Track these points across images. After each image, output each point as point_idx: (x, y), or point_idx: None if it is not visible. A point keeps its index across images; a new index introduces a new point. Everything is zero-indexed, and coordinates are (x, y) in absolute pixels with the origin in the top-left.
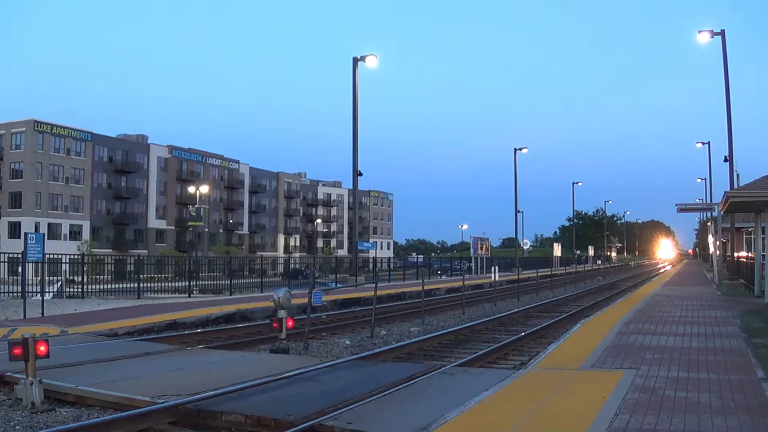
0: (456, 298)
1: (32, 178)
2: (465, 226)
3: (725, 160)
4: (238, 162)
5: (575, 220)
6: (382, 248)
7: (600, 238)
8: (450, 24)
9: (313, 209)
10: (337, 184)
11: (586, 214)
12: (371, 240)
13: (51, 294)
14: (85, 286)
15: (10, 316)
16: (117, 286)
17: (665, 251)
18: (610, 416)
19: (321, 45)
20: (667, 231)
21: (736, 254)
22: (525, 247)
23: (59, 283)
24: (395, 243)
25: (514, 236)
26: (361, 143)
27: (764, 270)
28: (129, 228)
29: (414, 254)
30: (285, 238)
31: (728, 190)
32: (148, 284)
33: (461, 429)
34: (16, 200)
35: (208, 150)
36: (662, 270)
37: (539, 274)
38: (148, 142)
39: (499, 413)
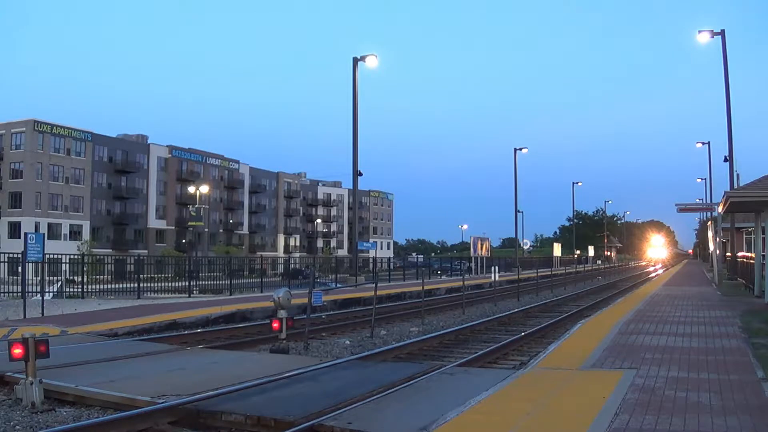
0: (456, 298)
1: (32, 178)
2: (465, 226)
3: (725, 160)
4: (238, 162)
5: (575, 220)
6: (382, 248)
7: (600, 238)
8: (450, 24)
9: (313, 209)
10: (337, 184)
11: (586, 214)
12: (371, 240)
13: (51, 294)
14: (85, 286)
15: (10, 316)
16: (117, 286)
17: (658, 250)
18: (610, 416)
19: (321, 45)
20: (667, 231)
21: (736, 254)
22: (525, 247)
23: (59, 283)
24: (395, 243)
25: (514, 236)
26: (361, 143)
27: (764, 270)
28: (129, 228)
29: (414, 254)
30: (285, 238)
31: (728, 190)
32: (148, 284)
33: (461, 429)
34: (16, 200)
35: (208, 150)
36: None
37: (539, 274)
38: (148, 142)
39: (499, 413)
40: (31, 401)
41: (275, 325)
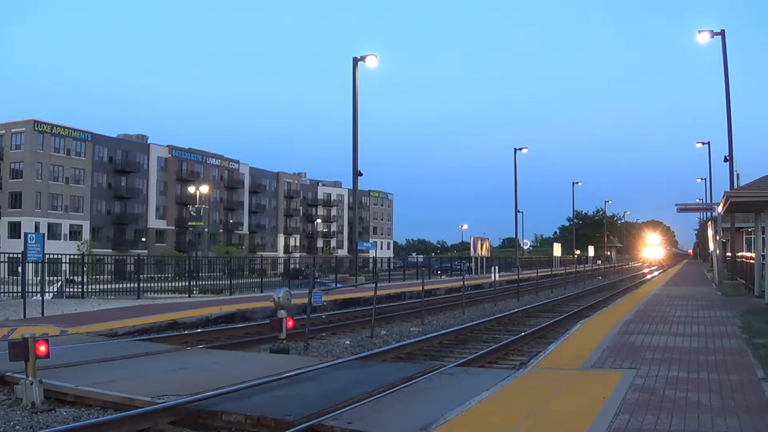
0: (456, 298)
1: (32, 178)
2: (465, 226)
3: (725, 160)
4: (238, 162)
5: (575, 220)
6: (382, 248)
7: (600, 239)
8: (450, 24)
9: (313, 209)
10: (337, 184)
11: (586, 214)
12: (371, 240)
13: (51, 294)
14: (85, 286)
15: (10, 316)
16: (117, 286)
17: (653, 250)
18: (610, 416)
19: (321, 45)
20: (664, 229)
21: (736, 254)
22: (525, 247)
23: (59, 283)
24: (395, 243)
25: (514, 236)
26: (361, 143)
27: (764, 270)
28: (129, 228)
29: (414, 254)
30: (285, 238)
31: (728, 190)
32: (148, 284)
33: (461, 429)
34: (16, 200)
35: (208, 150)
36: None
37: (539, 274)
38: (148, 142)
39: (499, 413)
40: (31, 401)
41: (275, 325)
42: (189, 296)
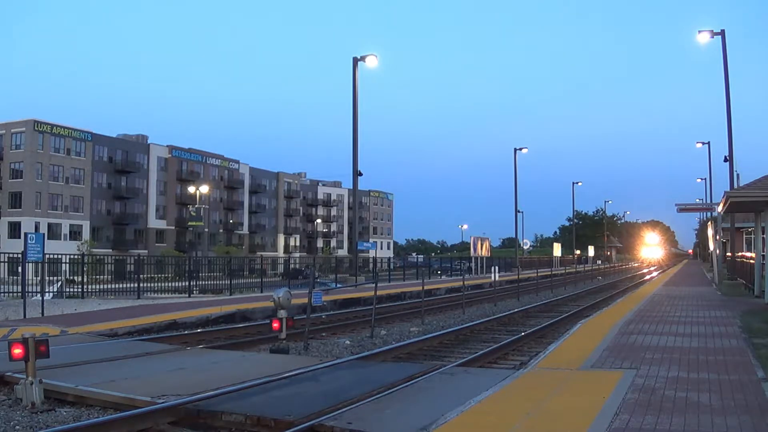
0: (456, 298)
1: (32, 178)
2: (465, 226)
3: (725, 160)
4: (238, 162)
5: (575, 220)
6: (382, 248)
7: (600, 239)
8: (451, 24)
9: (313, 209)
10: (337, 184)
11: (586, 214)
12: (371, 240)
13: (51, 294)
14: (85, 286)
15: (10, 316)
16: (117, 286)
17: (652, 250)
18: (610, 416)
19: (321, 45)
20: (663, 229)
21: (736, 254)
22: (525, 247)
23: (59, 283)
24: (395, 243)
25: (514, 236)
26: (362, 143)
27: (764, 270)
28: (129, 228)
29: (414, 254)
30: (285, 238)
31: (728, 190)
32: (148, 284)
33: (461, 429)
34: (16, 200)
35: (208, 150)
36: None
37: (539, 274)
38: (148, 142)
39: (499, 413)
40: (31, 401)
41: (275, 325)
42: (189, 296)
